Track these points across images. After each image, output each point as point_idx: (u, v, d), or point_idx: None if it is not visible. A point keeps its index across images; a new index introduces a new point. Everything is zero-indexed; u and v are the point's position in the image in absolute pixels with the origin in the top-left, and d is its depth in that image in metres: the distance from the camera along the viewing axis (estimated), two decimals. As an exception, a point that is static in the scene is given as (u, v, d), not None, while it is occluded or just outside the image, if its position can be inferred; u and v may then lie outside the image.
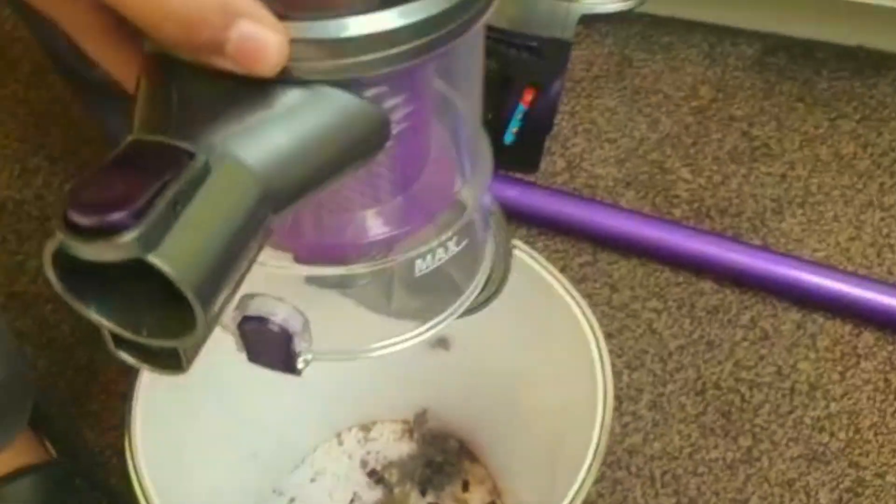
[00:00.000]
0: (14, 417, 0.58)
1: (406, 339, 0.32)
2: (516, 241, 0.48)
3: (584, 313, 0.45)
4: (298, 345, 0.30)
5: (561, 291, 0.46)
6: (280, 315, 0.29)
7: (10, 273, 0.74)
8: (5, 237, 0.76)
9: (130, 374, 0.69)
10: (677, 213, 0.77)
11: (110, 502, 0.61)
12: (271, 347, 0.30)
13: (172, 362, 0.24)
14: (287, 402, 0.59)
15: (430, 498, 0.62)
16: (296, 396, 0.60)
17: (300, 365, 0.31)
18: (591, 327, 0.45)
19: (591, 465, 0.42)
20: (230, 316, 0.30)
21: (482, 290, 0.36)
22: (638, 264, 0.74)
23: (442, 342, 0.57)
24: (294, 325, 0.30)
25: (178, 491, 0.48)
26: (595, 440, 0.42)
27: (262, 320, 0.29)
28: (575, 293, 0.46)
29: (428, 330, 0.33)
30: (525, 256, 0.47)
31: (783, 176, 0.79)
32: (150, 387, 0.47)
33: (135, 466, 0.44)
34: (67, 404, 0.67)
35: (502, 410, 0.59)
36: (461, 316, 0.34)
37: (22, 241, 0.76)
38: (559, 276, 0.46)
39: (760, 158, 0.80)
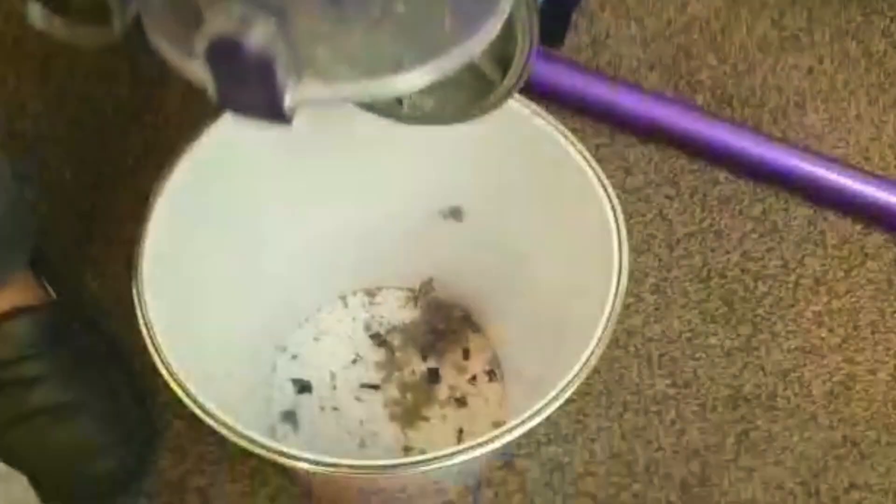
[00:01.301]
0: (12, 255, 0.57)
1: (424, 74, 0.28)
2: (540, 110, 0.46)
3: (605, 189, 0.44)
4: (283, 77, 0.24)
5: (582, 164, 0.45)
6: (257, 32, 0.23)
7: (10, 113, 0.72)
8: (5, 76, 0.73)
9: (134, 221, 0.68)
10: (699, 99, 0.75)
11: (109, 348, 0.61)
12: (248, 81, 0.24)
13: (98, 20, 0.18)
14: (293, 258, 0.59)
15: (430, 363, 0.63)
16: (302, 256, 0.59)
17: (287, 104, 0.24)
18: (611, 202, 0.44)
19: (600, 337, 0.42)
20: (197, 49, 0.23)
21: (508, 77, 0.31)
22: (654, 149, 0.72)
23: (455, 213, 0.56)
24: (275, 47, 0.23)
25: (183, 335, 0.48)
26: (606, 314, 0.42)
27: (233, 45, 0.23)
28: (596, 167, 0.45)
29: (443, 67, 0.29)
30: (547, 127, 0.46)
31: (810, 69, 0.77)
32: (159, 227, 0.46)
33: (141, 305, 0.44)
34: (69, 250, 0.67)
35: (510, 283, 0.59)
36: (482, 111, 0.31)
37: (21, 80, 0.73)
38: (582, 149, 0.45)
39: (788, 49, 0.78)
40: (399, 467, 0.41)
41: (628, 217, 0.69)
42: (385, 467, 0.41)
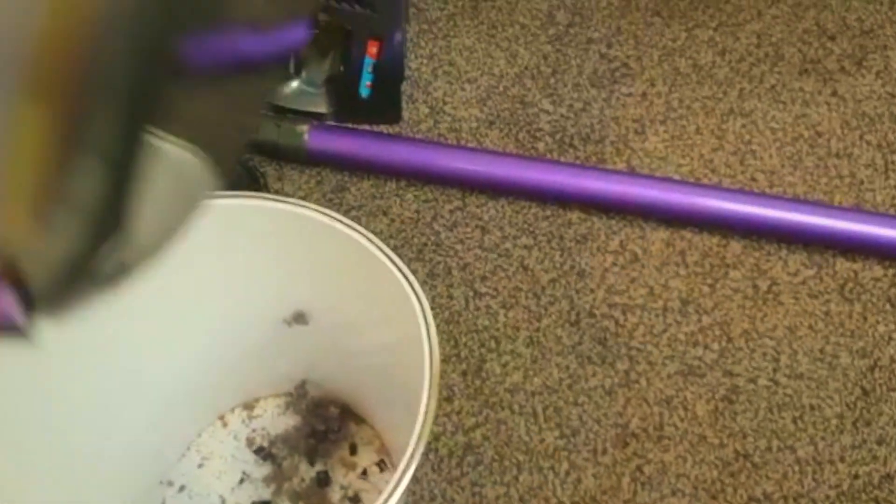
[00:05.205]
0: None
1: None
2: (339, 216, 0.47)
3: (410, 285, 0.45)
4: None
5: (388, 265, 0.46)
6: None
7: None
8: None
9: None
10: (541, 146, 0.77)
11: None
12: None
13: None
14: (164, 390, 0.59)
15: (319, 466, 0.63)
16: (172, 383, 0.59)
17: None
18: (419, 299, 0.45)
19: (419, 434, 0.42)
20: None
21: None
22: (506, 203, 0.74)
23: (298, 318, 0.57)
24: None
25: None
26: (420, 418, 0.42)
27: None
28: (402, 266, 0.45)
29: None
30: (357, 236, 0.47)
31: (644, 95, 0.79)
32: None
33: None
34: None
35: (374, 374, 0.59)
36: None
37: None
38: (385, 249, 0.46)
39: (620, 79, 0.80)
40: None
41: (492, 274, 0.70)
42: None
